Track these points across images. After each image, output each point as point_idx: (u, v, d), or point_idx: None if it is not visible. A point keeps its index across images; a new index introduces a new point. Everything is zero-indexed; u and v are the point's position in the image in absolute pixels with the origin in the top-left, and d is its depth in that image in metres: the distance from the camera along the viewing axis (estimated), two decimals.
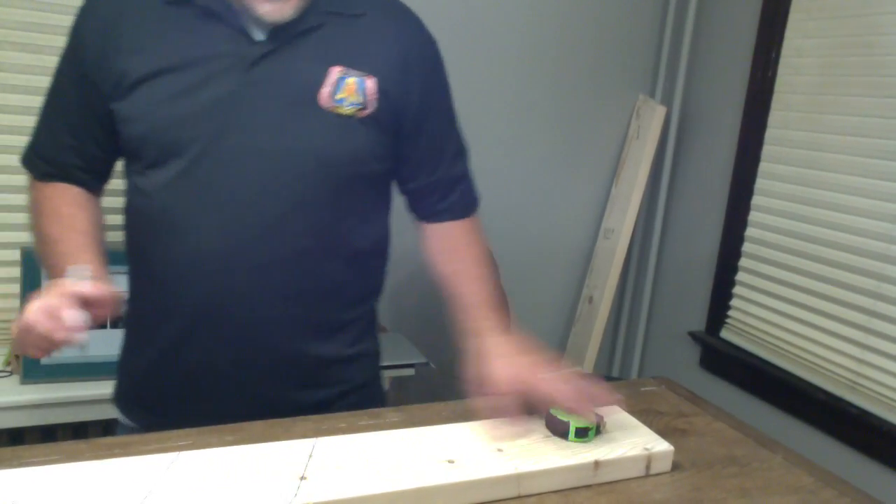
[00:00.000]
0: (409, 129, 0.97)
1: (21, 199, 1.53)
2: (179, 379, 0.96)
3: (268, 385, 0.96)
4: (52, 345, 0.79)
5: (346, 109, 0.90)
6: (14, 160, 1.09)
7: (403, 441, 0.82)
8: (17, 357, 1.54)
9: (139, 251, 0.96)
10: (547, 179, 2.13)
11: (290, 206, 0.90)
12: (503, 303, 0.99)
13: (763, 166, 1.86)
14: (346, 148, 0.91)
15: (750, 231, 1.90)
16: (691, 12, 2.10)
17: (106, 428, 1.55)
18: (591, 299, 2.22)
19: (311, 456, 0.76)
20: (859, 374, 1.60)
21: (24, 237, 1.55)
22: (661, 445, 0.85)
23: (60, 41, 0.95)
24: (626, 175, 2.17)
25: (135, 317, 1.00)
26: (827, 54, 1.70)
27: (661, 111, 2.10)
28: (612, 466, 0.82)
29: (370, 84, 0.91)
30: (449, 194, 1.04)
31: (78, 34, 0.92)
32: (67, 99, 0.94)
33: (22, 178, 1.04)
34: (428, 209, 1.05)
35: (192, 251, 0.89)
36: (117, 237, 0.99)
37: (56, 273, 0.88)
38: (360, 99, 0.91)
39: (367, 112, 0.92)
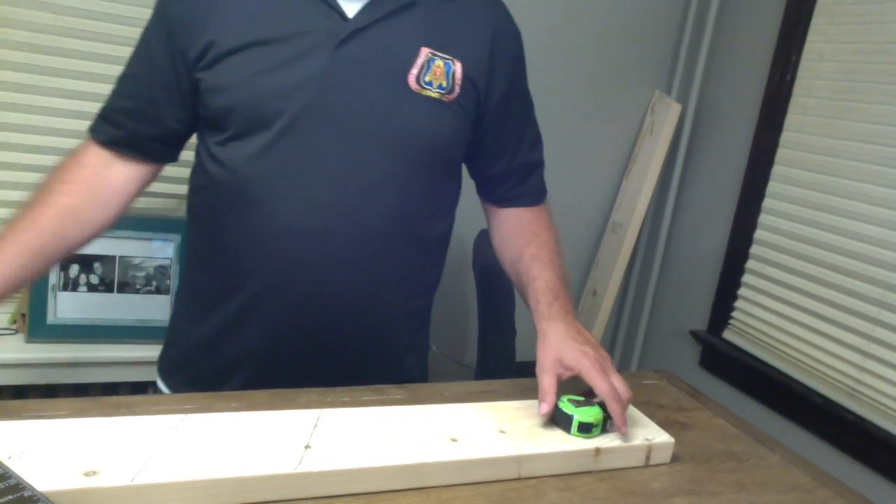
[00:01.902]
0: (493, 115, 0.98)
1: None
2: (237, 352, 0.95)
3: (324, 365, 0.96)
4: None
5: (433, 92, 0.90)
6: None
7: (408, 417, 0.82)
8: (23, 315, 1.55)
9: (210, 221, 0.94)
10: (558, 171, 2.12)
11: (372, 186, 0.90)
12: (567, 289, 0.97)
13: (776, 169, 1.86)
14: (431, 131, 0.91)
15: (759, 233, 1.90)
16: (713, 10, 2.09)
17: (107, 391, 1.56)
18: (594, 292, 2.22)
19: (316, 426, 0.77)
20: (859, 382, 1.60)
21: None
22: (662, 437, 0.86)
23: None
24: (638, 170, 2.16)
25: (196, 286, 1.00)
26: (847, 60, 1.69)
27: (676, 108, 2.09)
28: (613, 454, 0.82)
29: (457, 69, 0.91)
30: (524, 181, 1.06)
31: (167, 4, 0.91)
32: (152, 67, 0.92)
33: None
34: (502, 194, 1.06)
35: (271, 224, 0.89)
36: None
37: None
38: (447, 83, 0.91)
39: (451, 97, 0.91)
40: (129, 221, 1.54)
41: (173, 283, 1.57)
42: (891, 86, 1.57)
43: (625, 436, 0.82)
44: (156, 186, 1.59)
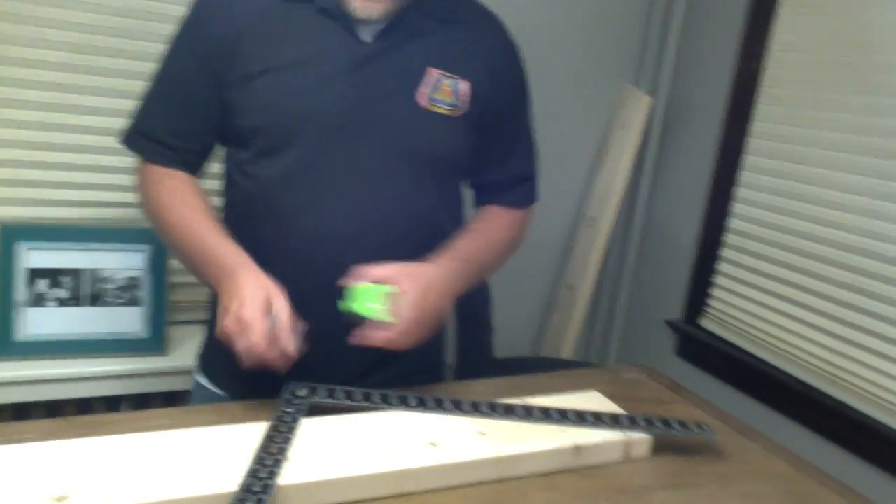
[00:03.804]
0: (490, 128, 1.04)
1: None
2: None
3: (360, 360, 0.98)
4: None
5: (442, 109, 0.97)
6: None
7: (387, 424, 0.82)
8: None
9: (244, 233, 0.97)
10: None
11: (396, 194, 0.96)
12: (472, 266, 0.99)
13: (747, 159, 1.87)
14: (443, 144, 0.98)
15: (732, 222, 1.91)
16: (681, 3, 2.09)
17: (81, 406, 1.53)
18: (570, 286, 2.23)
19: (295, 437, 0.76)
20: (836, 367, 1.62)
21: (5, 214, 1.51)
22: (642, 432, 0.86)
23: None
24: (610, 163, 2.17)
25: None
26: (814, 50, 1.70)
27: (646, 101, 2.10)
28: (592, 451, 0.82)
29: (464, 87, 0.98)
30: (511, 189, 1.12)
31: (200, 18, 0.96)
32: (187, 82, 0.96)
33: None
34: (489, 199, 1.12)
35: (307, 233, 0.95)
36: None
37: (201, 264, 0.92)
38: (454, 100, 0.97)
39: (459, 113, 0.98)
40: (97, 233, 1.52)
41: (146, 294, 1.54)
42: (857, 75, 1.59)
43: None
44: (124, 196, 1.57)
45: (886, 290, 1.51)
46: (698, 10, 2.08)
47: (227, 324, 0.82)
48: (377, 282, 0.86)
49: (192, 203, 0.96)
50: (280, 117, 0.93)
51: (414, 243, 0.98)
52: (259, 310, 0.81)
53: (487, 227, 1.07)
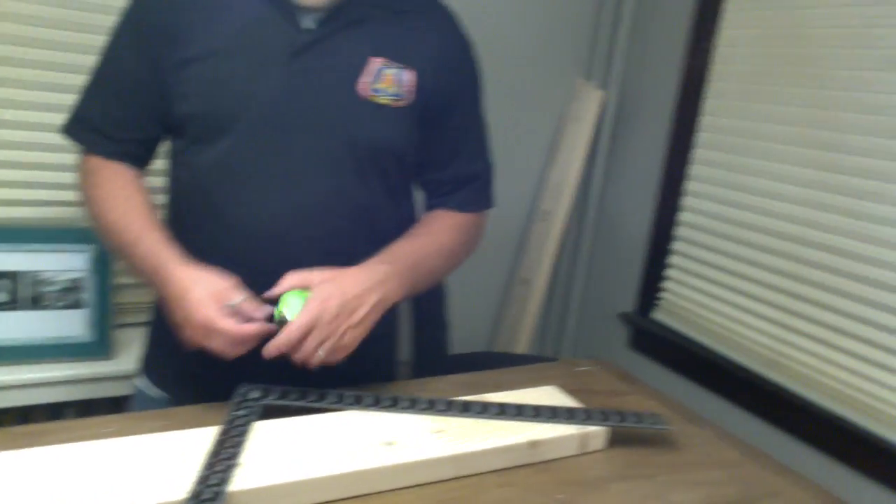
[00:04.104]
0: (434, 124, 1.00)
1: None
2: (209, 360, 0.91)
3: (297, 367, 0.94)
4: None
5: (383, 99, 0.94)
6: None
7: (341, 424, 0.81)
8: None
9: (180, 228, 0.96)
10: None
11: (328, 189, 0.93)
12: (413, 271, 0.95)
13: (697, 153, 1.91)
14: (382, 136, 0.95)
15: (683, 215, 1.95)
16: None
17: (23, 415, 1.47)
18: (525, 281, 2.24)
19: (247, 441, 0.74)
20: (780, 353, 1.67)
21: None
22: (596, 425, 0.87)
23: None
24: (563, 158, 2.19)
25: None
26: (759, 44, 1.74)
27: (597, 95, 2.12)
28: (549, 445, 0.83)
29: (408, 77, 0.95)
30: (458, 190, 1.07)
31: (140, 4, 0.94)
32: (128, 70, 0.94)
33: None
34: (436, 200, 1.08)
35: (231, 229, 0.92)
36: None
37: (138, 258, 0.89)
38: (398, 90, 0.94)
39: (402, 103, 0.95)
40: (36, 233, 1.46)
41: (90, 296, 1.49)
42: (801, 69, 1.63)
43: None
44: (64, 195, 1.52)
45: (829, 279, 1.56)
46: (648, 4, 2.11)
47: (189, 334, 0.80)
48: (300, 288, 0.84)
49: (132, 203, 0.92)
50: (213, 104, 0.90)
51: (354, 238, 0.96)
52: (213, 306, 0.79)
53: (432, 230, 1.03)
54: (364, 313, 0.85)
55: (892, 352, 1.44)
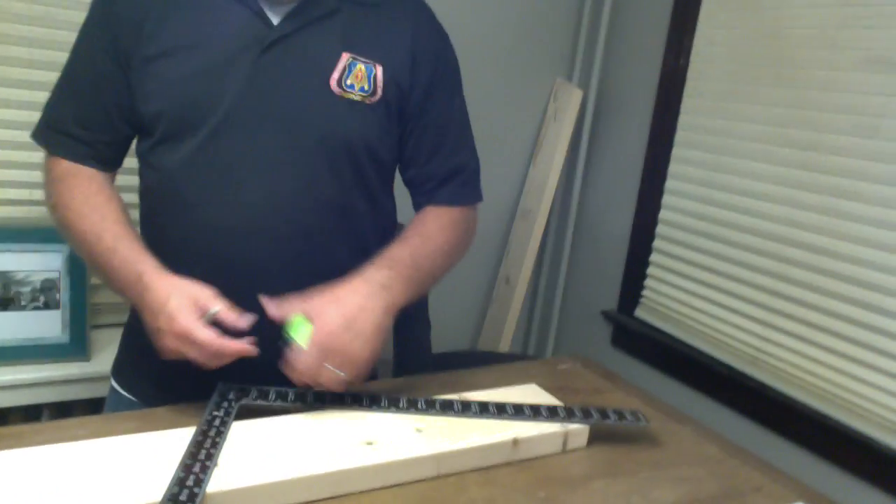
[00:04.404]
0: (411, 118, 0.99)
1: None
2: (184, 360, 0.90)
3: (269, 362, 0.91)
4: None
5: (356, 95, 0.92)
6: None
7: (322, 424, 0.80)
8: None
9: (151, 228, 0.95)
10: None
11: (298, 185, 0.91)
12: (415, 272, 0.92)
13: (676, 151, 1.92)
14: (353, 131, 0.93)
15: (663, 213, 1.96)
16: None
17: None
18: (507, 279, 2.24)
19: (225, 441, 0.73)
20: (761, 351, 1.68)
21: None
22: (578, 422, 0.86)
23: None
24: (544, 157, 2.19)
25: None
26: (737, 44, 1.75)
27: (577, 94, 2.13)
28: (531, 443, 0.82)
29: (378, 72, 0.94)
30: (444, 185, 1.04)
31: (109, 4, 0.91)
32: (95, 69, 0.91)
33: None
34: (423, 198, 1.04)
35: (202, 226, 0.90)
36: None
37: (112, 269, 0.86)
38: (368, 86, 0.93)
39: (374, 99, 0.94)
40: (8, 233, 1.43)
41: (63, 296, 1.46)
42: (779, 69, 1.65)
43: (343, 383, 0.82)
44: (37, 193, 1.49)
45: (808, 277, 1.57)
46: (627, 4, 2.12)
47: (167, 344, 0.79)
48: (303, 313, 0.82)
49: (104, 211, 0.89)
50: (179, 101, 0.88)
51: (328, 235, 0.94)
52: (191, 315, 0.77)
53: (426, 230, 0.99)
54: (373, 324, 0.83)
55: (872, 349, 1.46)
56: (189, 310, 0.78)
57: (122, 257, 0.85)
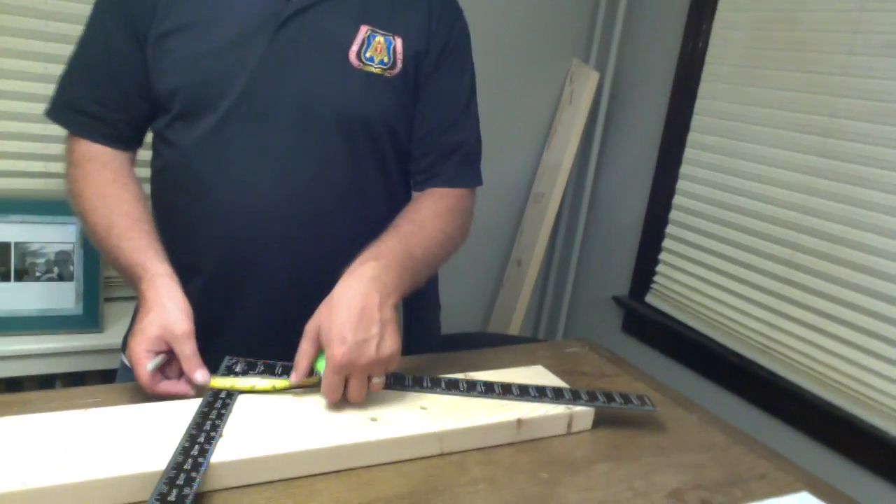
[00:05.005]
0: (422, 90, 0.97)
1: None
2: (198, 333, 0.88)
3: (281, 344, 0.90)
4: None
5: (375, 68, 0.91)
6: None
7: (325, 399, 0.80)
8: None
9: (166, 205, 0.95)
10: None
11: (317, 163, 0.90)
12: (407, 261, 0.87)
13: (692, 136, 1.90)
14: (374, 105, 0.92)
15: (677, 199, 1.94)
16: None
17: (11, 386, 1.47)
18: (519, 262, 2.24)
19: (230, 413, 0.73)
20: (771, 339, 1.67)
21: None
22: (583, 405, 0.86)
23: None
24: (558, 140, 2.18)
25: None
26: (756, 28, 1.73)
27: (594, 77, 2.11)
28: (535, 425, 0.82)
29: (398, 44, 0.93)
30: (440, 162, 1.00)
31: None
32: (110, 46, 0.90)
33: None
34: (418, 175, 1.00)
35: (218, 206, 0.90)
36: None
37: (120, 264, 0.86)
38: (388, 58, 0.92)
39: (394, 72, 0.93)
40: (24, 205, 1.45)
41: (77, 268, 1.48)
42: (797, 53, 1.62)
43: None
44: (52, 166, 1.50)
45: (821, 266, 1.56)
46: None
47: (128, 350, 0.78)
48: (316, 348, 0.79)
49: (116, 201, 0.88)
50: (195, 77, 0.87)
51: (344, 216, 0.93)
52: (144, 349, 0.76)
53: (418, 217, 0.94)
54: (378, 320, 0.77)
55: (882, 339, 1.45)
56: (148, 342, 0.76)
57: (125, 257, 0.84)
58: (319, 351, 0.78)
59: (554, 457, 0.80)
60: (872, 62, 1.47)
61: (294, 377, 0.78)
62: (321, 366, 0.77)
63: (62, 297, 1.48)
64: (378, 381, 0.79)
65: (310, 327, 0.79)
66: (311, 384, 0.79)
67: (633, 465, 0.81)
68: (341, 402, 0.78)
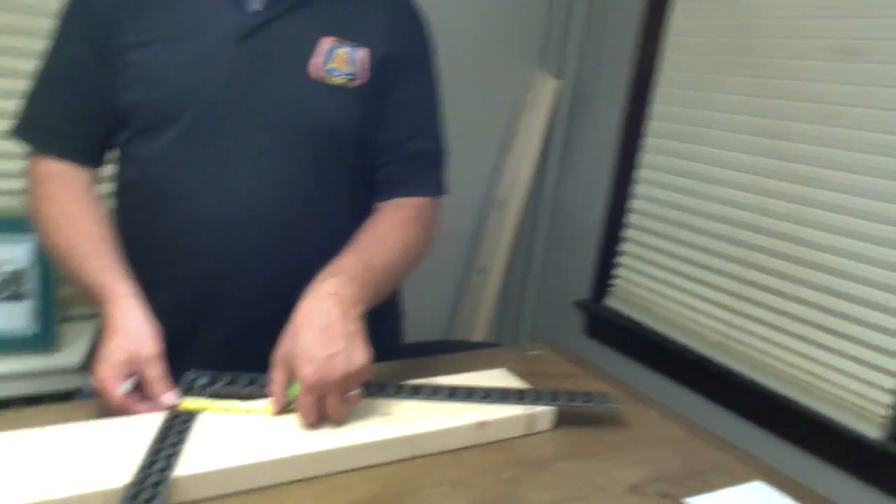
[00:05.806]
0: (386, 99, 0.97)
1: None
2: (167, 350, 0.87)
3: (256, 357, 0.89)
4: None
5: (337, 79, 0.91)
6: None
7: (291, 409, 0.80)
8: None
9: (131, 222, 0.94)
10: None
11: (282, 175, 0.90)
12: (368, 273, 0.86)
13: (648, 141, 1.94)
14: (338, 116, 0.92)
15: (635, 203, 1.98)
16: None
17: None
18: (482, 269, 2.25)
19: (195, 425, 0.73)
20: (728, 336, 1.71)
21: None
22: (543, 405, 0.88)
23: None
24: (519, 146, 2.21)
25: None
26: (708, 35, 1.78)
27: (553, 84, 2.14)
28: (497, 426, 0.84)
29: (361, 55, 0.93)
30: (410, 171, 1.00)
31: None
32: (73, 61, 0.90)
33: None
34: (380, 185, 1.00)
35: (186, 218, 0.89)
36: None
37: (83, 284, 0.85)
38: (351, 69, 0.92)
39: (358, 82, 0.93)
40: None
41: (33, 287, 1.45)
42: (749, 58, 1.67)
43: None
44: (5, 182, 1.47)
45: (777, 264, 1.60)
46: None
47: (95, 376, 0.77)
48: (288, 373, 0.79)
49: (78, 221, 0.88)
50: (158, 92, 0.88)
51: (312, 229, 0.94)
52: (112, 374, 0.75)
53: (377, 231, 0.94)
54: (342, 334, 0.77)
55: (835, 334, 1.49)
56: (115, 366, 0.76)
57: (89, 278, 0.84)
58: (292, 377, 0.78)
59: (518, 456, 0.81)
60: (818, 66, 1.52)
61: (275, 407, 0.78)
62: (295, 390, 0.77)
63: (16, 317, 1.44)
64: (355, 393, 0.78)
65: (278, 354, 0.78)
66: (291, 410, 0.79)
67: (594, 461, 0.83)
68: (322, 421, 0.77)
